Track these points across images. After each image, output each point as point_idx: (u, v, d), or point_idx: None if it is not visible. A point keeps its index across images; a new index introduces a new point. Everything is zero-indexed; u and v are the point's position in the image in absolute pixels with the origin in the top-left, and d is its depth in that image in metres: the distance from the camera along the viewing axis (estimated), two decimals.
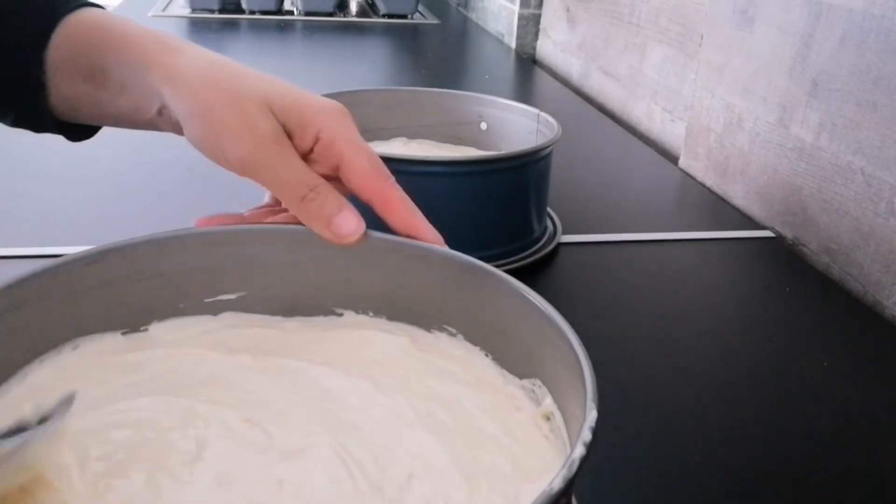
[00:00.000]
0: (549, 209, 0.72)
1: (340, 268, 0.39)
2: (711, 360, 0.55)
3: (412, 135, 0.77)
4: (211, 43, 1.50)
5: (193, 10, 1.69)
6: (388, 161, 0.61)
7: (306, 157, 0.38)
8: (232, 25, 1.63)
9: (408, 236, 0.38)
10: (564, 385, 0.33)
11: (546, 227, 0.70)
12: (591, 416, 0.27)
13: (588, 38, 1.29)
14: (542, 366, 0.35)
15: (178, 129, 0.40)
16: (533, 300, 0.34)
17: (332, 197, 0.37)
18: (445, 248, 0.38)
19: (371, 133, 0.76)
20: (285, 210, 0.40)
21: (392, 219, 0.38)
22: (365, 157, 0.38)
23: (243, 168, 0.37)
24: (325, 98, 0.39)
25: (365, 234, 0.37)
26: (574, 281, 0.65)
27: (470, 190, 0.60)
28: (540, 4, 1.51)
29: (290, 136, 0.37)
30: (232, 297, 0.40)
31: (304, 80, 1.26)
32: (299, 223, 0.38)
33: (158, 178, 0.79)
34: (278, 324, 0.40)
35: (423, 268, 0.38)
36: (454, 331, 0.39)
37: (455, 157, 0.71)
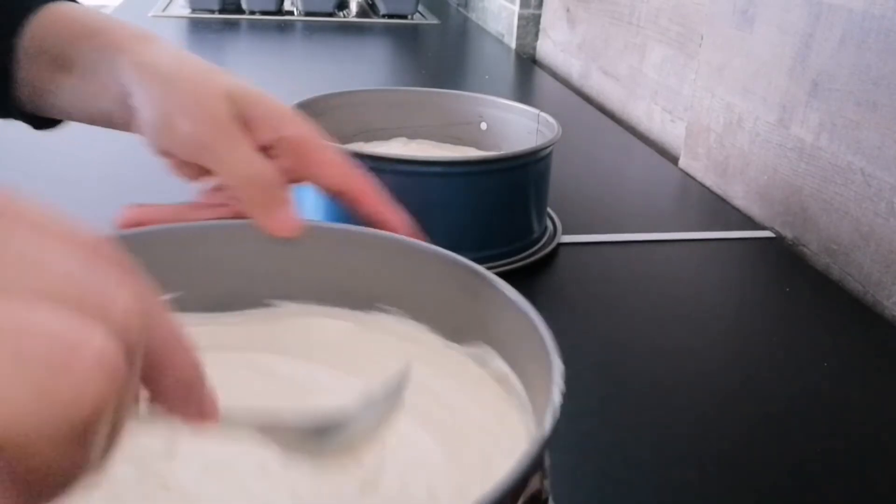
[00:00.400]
0: (548, 209, 0.72)
1: (275, 259, 0.40)
2: (711, 360, 0.55)
3: (412, 135, 0.77)
4: (211, 43, 1.50)
5: (193, 11, 1.69)
6: (388, 161, 0.62)
7: (265, 150, 0.39)
8: (232, 26, 1.63)
9: (379, 225, 0.39)
10: (518, 347, 0.33)
11: (546, 228, 0.70)
12: (557, 364, 0.28)
13: (588, 38, 1.29)
14: (489, 332, 0.35)
15: (130, 120, 0.40)
16: (471, 267, 0.35)
17: (279, 189, 0.37)
18: (376, 231, 0.39)
19: (371, 133, 0.76)
20: (222, 205, 0.40)
21: (363, 208, 0.39)
22: (333, 150, 0.40)
23: (195, 146, 0.37)
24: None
25: (302, 227, 0.38)
26: (574, 281, 0.65)
27: (470, 190, 0.60)
28: (540, 4, 1.51)
29: (249, 127, 0.38)
30: (169, 296, 0.39)
31: (304, 80, 1.27)
32: (233, 217, 0.39)
33: (158, 180, 0.79)
34: (221, 319, 0.40)
35: (357, 250, 0.39)
36: (395, 309, 0.39)
37: (455, 157, 0.70)
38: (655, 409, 0.49)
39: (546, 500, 0.27)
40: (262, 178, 0.37)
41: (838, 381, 0.53)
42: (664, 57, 1.04)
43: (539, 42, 1.53)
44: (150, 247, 0.38)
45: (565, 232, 0.71)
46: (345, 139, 0.72)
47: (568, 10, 1.38)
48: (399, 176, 0.60)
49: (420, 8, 1.88)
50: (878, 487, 0.43)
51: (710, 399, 0.50)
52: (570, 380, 0.52)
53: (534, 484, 0.24)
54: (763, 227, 0.78)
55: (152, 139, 0.39)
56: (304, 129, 0.39)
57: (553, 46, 1.46)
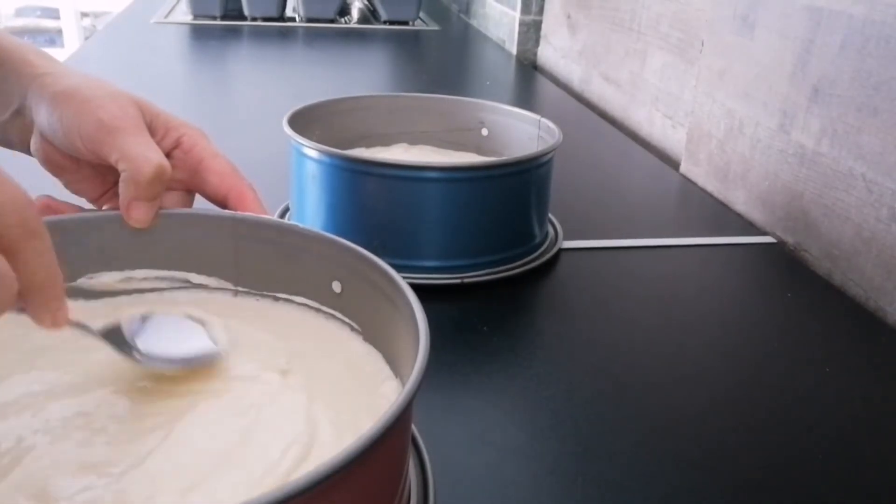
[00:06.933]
0: (550, 215, 0.72)
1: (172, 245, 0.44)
2: (713, 365, 0.55)
3: (413, 140, 0.77)
4: (213, 49, 1.50)
5: (195, 17, 1.69)
6: (390, 167, 0.62)
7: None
8: (234, 32, 1.64)
9: None
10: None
11: (547, 233, 0.70)
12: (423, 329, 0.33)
13: (589, 44, 1.29)
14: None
15: (26, 134, 0.42)
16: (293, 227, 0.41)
17: (159, 186, 0.40)
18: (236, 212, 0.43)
19: (372, 139, 0.76)
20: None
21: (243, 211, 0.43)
22: (223, 160, 0.44)
23: (101, 133, 0.39)
24: None
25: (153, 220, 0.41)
26: (575, 287, 0.65)
27: (471, 196, 0.60)
28: (541, 11, 1.51)
29: (152, 135, 0.41)
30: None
31: (305, 86, 1.27)
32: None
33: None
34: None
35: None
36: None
37: (456, 162, 0.71)
38: (656, 413, 0.49)
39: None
40: (159, 167, 0.39)
41: (840, 386, 0.53)
42: (665, 63, 1.04)
43: (540, 48, 1.54)
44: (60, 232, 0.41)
45: (566, 237, 0.71)
46: (346, 145, 0.72)
47: (569, 17, 1.38)
48: (400, 181, 0.60)
49: (421, 14, 1.89)
50: (879, 492, 0.43)
51: (712, 404, 0.50)
52: (571, 384, 0.52)
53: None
54: (764, 233, 0.78)
55: (57, 140, 0.40)
56: (200, 140, 0.43)
57: (554, 52, 1.46)
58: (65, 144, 0.40)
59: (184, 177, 0.43)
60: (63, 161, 0.42)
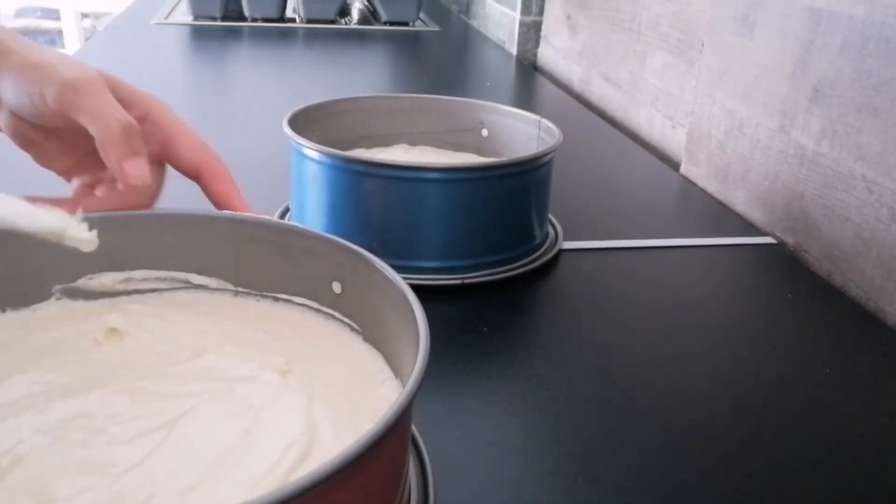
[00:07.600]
0: (550, 216, 0.72)
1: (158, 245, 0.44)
2: (712, 366, 0.55)
3: (413, 141, 0.77)
4: (213, 50, 1.50)
5: (196, 18, 1.70)
6: (390, 168, 0.62)
7: None
8: (234, 33, 1.64)
9: (226, 207, 0.43)
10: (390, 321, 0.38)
11: (547, 234, 0.70)
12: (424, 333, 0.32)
13: (589, 44, 1.29)
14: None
15: None
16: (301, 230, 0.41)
17: (137, 140, 0.40)
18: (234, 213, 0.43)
19: (372, 139, 0.76)
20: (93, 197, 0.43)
21: (216, 188, 0.43)
22: (193, 134, 0.43)
23: (66, 92, 0.38)
24: None
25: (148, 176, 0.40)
26: (575, 287, 0.65)
27: (471, 196, 0.60)
28: (541, 11, 1.51)
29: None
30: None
31: (305, 86, 1.27)
32: (104, 209, 0.42)
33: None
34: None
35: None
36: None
37: (456, 163, 0.71)
38: (656, 415, 0.49)
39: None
40: (129, 124, 0.39)
41: (840, 387, 0.53)
42: (665, 63, 1.04)
43: (540, 49, 1.54)
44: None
45: (567, 238, 0.71)
46: (346, 145, 0.73)
47: (569, 17, 1.38)
48: (400, 182, 0.60)
49: (421, 15, 1.89)
50: (880, 492, 0.43)
51: (712, 405, 0.50)
52: (571, 385, 0.52)
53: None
54: (764, 234, 0.78)
55: (24, 110, 0.40)
56: (168, 113, 0.43)
57: (554, 53, 1.46)
58: (32, 113, 0.40)
59: (154, 150, 0.43)
60: (32, 134, 0.41)
